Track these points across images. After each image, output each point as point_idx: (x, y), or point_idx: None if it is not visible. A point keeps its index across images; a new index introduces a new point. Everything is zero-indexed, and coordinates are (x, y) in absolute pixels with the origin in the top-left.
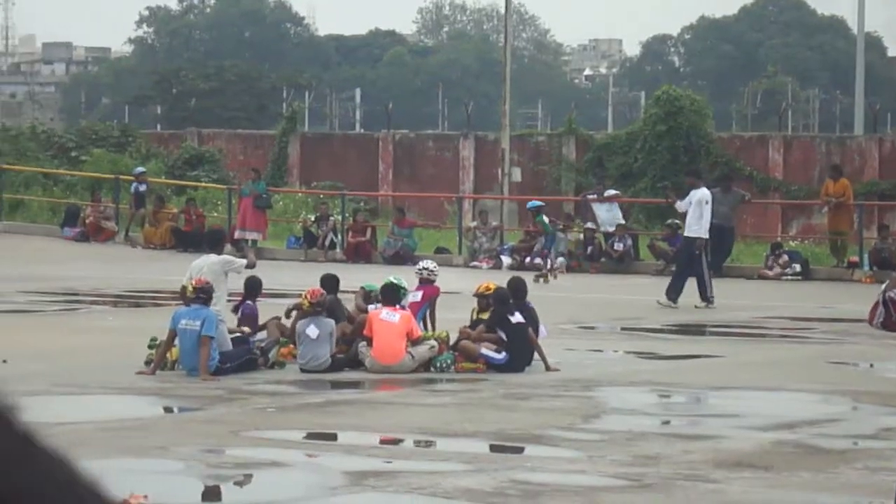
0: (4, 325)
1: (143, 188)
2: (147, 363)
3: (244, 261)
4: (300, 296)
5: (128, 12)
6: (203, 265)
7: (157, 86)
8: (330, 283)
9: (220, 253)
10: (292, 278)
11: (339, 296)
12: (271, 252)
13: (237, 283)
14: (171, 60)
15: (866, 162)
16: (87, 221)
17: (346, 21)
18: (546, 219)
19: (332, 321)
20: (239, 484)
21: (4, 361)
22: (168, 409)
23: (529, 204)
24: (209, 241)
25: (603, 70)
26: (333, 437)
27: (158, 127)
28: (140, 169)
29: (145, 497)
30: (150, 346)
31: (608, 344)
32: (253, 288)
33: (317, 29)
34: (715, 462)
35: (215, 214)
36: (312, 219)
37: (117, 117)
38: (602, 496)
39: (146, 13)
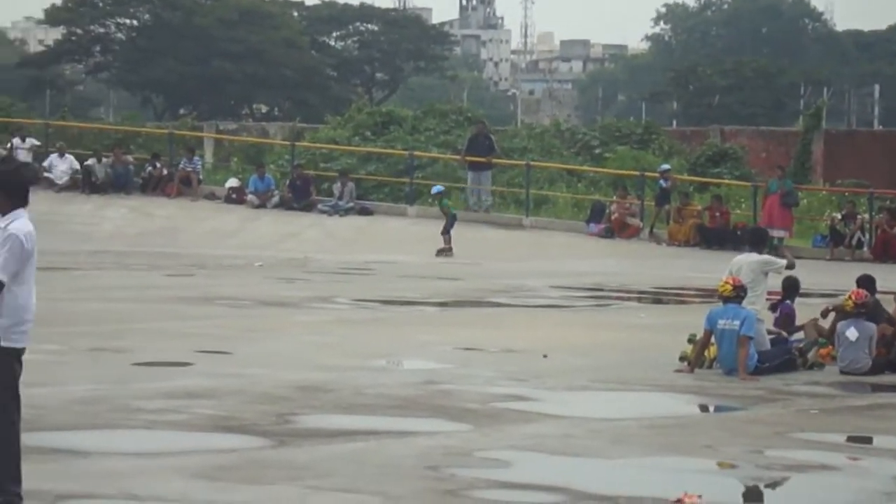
0: (540, 320)
1: (667, 185)
2: (682, 359)
3: (784, 261)
4: (838, 297)
5: (645, 10)
6: (743, 263)
7: (673, 82)
8: (869, 283)
9: (761, 252)
10: (820, 277)
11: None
12: (797, 250)
13: (774, 282)
14: (688, 57)
15: None
16: (613, 218)
17: (864, 16)
18: None
19: (872, 324)
20: (785, 486)
21: (545, 356)
22: (708, 408)
23: None
24: (752, 239)
25: None
26: (874, 441)
27: (674, 123)
28: (665, 166)
29: (699, 497)
30: (689, 341)
31: None
32: (792, 288)
33: (835, 24)
34: None
35: (738, 212)
36: (839, 217)
37: (633, 114)
38: None
39: (663, 10)
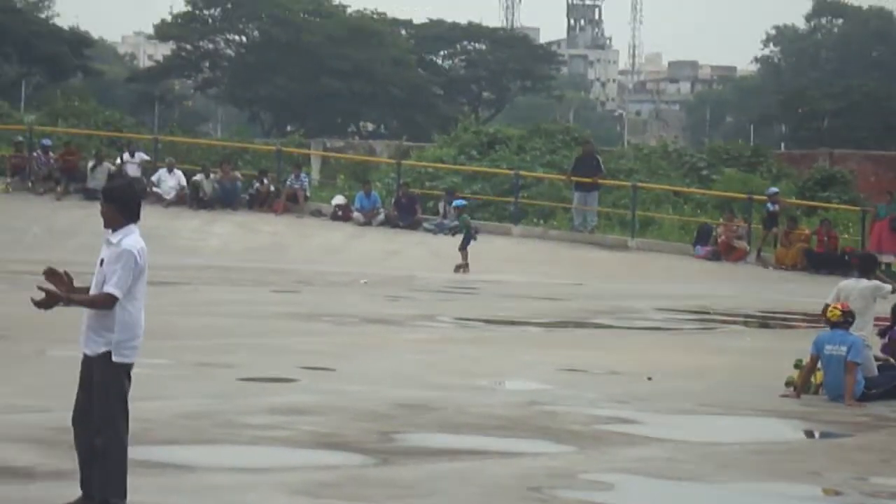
0: (645, 342)
1: (775, 208)
2: (788, 384)
3: (890, 286)
4: None
5: (754, 32)
6: (852, 289)
7: (781, 105)
8: None
9: (870, 278)
10: None
11: None
12: None
13: (882, 308)
14: (797, 80)
15: None
16: (719, 241)
17: None
18: None
19: None
20: None
21: (649, 378)
22: (814, 434)
23: None
24: (862, 265)
25: None
26: None
27: (783, 146)
28: (773, 189)
29: None
30: (795, 366)
31: None
32: None
33: None
34: None
35: (846, 236)
36: None
37: (741, 136)
38: None
39: (773, 32)
